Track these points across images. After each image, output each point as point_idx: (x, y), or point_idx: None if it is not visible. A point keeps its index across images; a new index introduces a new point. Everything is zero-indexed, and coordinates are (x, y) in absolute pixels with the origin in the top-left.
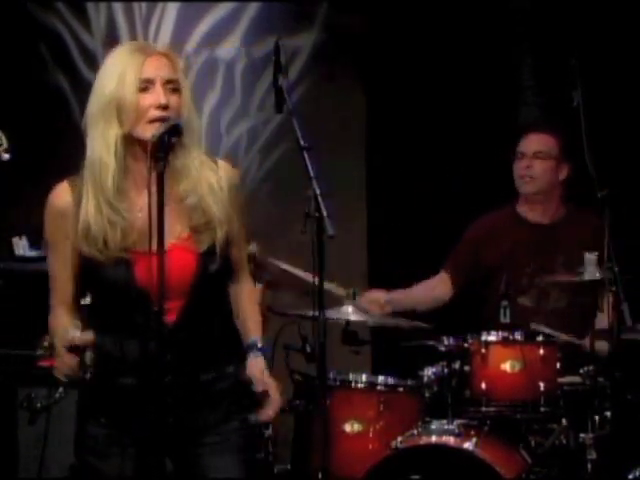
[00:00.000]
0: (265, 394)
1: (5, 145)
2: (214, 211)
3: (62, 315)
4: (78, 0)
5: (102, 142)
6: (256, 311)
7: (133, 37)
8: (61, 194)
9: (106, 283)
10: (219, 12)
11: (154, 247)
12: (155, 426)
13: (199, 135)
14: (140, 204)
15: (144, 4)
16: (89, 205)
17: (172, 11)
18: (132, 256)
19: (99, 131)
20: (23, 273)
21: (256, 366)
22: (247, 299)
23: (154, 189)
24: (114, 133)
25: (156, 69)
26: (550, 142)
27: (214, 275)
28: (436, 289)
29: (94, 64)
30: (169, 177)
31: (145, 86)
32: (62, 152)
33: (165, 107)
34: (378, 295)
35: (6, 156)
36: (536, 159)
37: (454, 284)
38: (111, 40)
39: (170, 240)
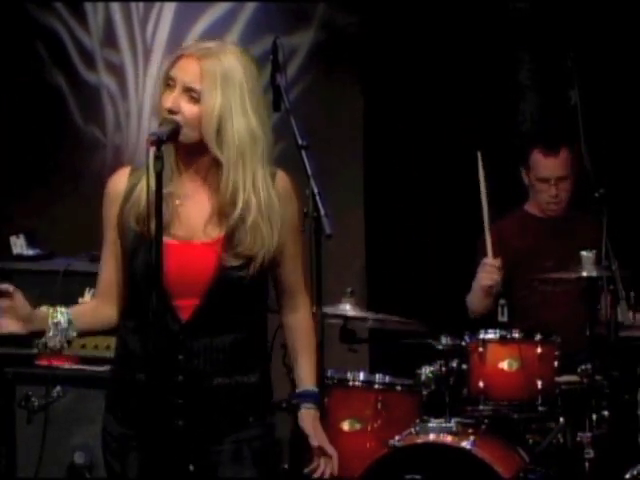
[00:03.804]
0: (320, 450)
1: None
2: (264, 240)
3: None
4: None
5: None
6: (312, 353)
7: (131, 37)
8: (117, 180)
9: (134, 267)
10: (216, 11)
11: (169, 239)
12: (164, 427)
13: (242, 153)
14: (177, 195)
15: (141, 4)
16: (144, 187)
17: (169, 10)
18: (165, 245)
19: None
20: (21, 272)
21: (309, 420)
22: (304, 336)
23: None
24: None
25: (180, 71)
26: (567, 159)
27: (239, 283)
28: None
29: (92, 63)
30: (214, 190)
31: (170, 83)
32: (60, 151)
33: (172, 112)
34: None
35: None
36: (560, 183)
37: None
38: (108, 39)
39: (202, 238)
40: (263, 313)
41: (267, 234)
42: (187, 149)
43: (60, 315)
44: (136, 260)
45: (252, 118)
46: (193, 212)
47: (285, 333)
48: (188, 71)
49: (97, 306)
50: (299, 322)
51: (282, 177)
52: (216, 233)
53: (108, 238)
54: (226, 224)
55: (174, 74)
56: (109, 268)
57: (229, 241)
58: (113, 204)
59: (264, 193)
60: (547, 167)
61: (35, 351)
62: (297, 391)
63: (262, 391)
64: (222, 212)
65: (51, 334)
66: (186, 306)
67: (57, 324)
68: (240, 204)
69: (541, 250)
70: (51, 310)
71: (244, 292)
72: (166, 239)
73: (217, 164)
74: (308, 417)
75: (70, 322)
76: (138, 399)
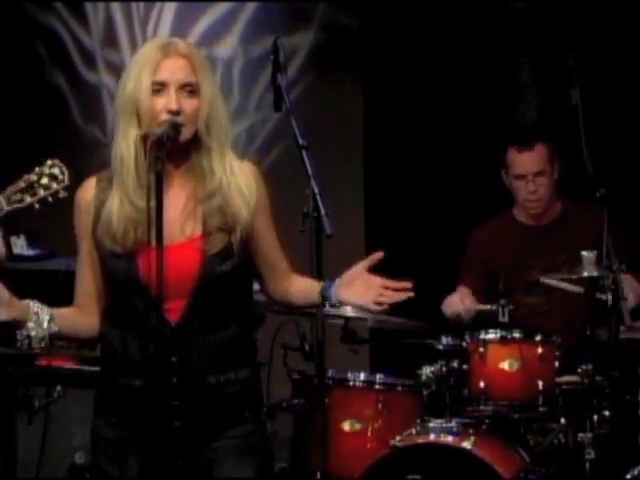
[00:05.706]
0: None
1: (66, 182)
2: (240, 213)
3: (70, 308)
4: None
5: (123, 141)
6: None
7: (131, 36)
8: (84, 190)
9: (114, 275)
10: (217, 11)
11: (153, 244)
12: (162, 429)
13: (225, 136)
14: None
15: (142, 3)
16: (114, 200)
17: (170, 10)
18: (142, 250)
19: (121, 129)
20: (21, 272)
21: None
22: (300, 278)
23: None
24: (134, 133)
25: (171, 72)
26: (543, 154)
27: (223, 277)
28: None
29: (92, 63)
30: (191, 177)
31: (159, 88)
32: (60, 151)
33: (176, 112)
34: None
35: (64, 194)
36: (537, 178)
37: (477, 294)
38: (109, 39)
39: (180, 239)
40: (249, 308)
41: (243, 204)
42: (180, 150)
43: (39, 309)
44: (118, 271)
45: (224, 103)
46: (170, 216)
47: (288, 297)
48: (177, 69)
49: (76, 314)
50: (292, 279)
51: (251, 165)
52: (194, 229)
53: (84, 249)
54: (204, 213)
55: (162, 78)
56: (87, 280)
57: (208, 227)
58: (84, 216)
59: (238, 172)
60: (522, 163)
61: (32, 351)
62: (319, 290)
63: (254, 385)
64: (200, 204)
65: (33, 324)
66: (175, 308)
67: (37, 314)
68: (218, 187)
69: (526, 258)
70: (31, 303)
71: (229, 285)
72: (148, 250)
73: (194, 158)
74: (339, 284)
75: (51, 316)
76: (134, 404)
